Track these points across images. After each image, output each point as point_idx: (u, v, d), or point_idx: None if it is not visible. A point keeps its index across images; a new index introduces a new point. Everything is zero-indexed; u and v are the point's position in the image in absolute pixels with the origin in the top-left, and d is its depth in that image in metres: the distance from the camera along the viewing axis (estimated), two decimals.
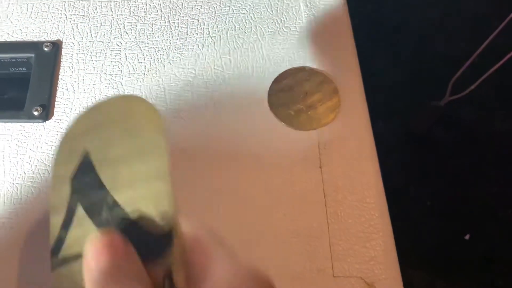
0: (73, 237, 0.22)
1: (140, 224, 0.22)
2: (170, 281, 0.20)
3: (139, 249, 0.21)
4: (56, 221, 0.22)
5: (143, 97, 0.44)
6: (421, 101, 1.21)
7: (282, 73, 0.45)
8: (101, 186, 0.23)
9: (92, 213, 0.22)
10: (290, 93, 0.43)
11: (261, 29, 0.48)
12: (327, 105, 0.43)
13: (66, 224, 0.22)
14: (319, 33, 0.47)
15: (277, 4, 0.49)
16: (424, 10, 1.35)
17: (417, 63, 1.28)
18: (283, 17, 0.48)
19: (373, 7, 1.36)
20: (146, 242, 0.21)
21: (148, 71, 0.46)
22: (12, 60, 0.48)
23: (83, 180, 0.23)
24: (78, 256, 0.21)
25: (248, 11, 0.49)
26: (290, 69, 0.45)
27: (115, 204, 0.22)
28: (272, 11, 0.49)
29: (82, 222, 0.22)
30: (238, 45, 0.47)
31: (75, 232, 0.22)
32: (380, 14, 1.35)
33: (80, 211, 0.22)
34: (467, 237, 1.11)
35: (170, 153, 0.23)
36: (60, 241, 0.22)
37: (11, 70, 0.48)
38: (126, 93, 0.45)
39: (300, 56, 0.46)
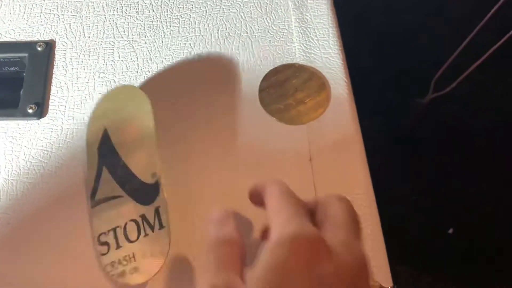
0: (102, 187, 0.37)
1: (140, 180, 0.36)
2: (159, 216, 0.36)
3: (140, 196, 0.36)
4: (91, 175, 0.37)
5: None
6: (405, 99, 1.24)
7: (272, 69, 0.46)
8: (115, 152, 0.37)
9: (112, 171, 0.37)
10: (280, 89, 0.45)
11: (251, 27, 0.49)
12: (316, 100, 0.45)
13: (97, 178, 0.37)
14: (307, 31, 0.49)
15: (267, 3, 0.51)
16: (408, 11, 1.38)
17: (401, 62, 1.31)
18: (272, 16, 0.50)
19: (360, 8, 1.38)
20: (145, 191, 0.36)
21: (141, 69, 0.47)
22: (6, 60, 0.48)
23: (104, 149, 0.38)
24: (106, 198, 0.36)
25: (238, 10, 0.50)
26: (280, 66, 0.46)
27: (125, 165, 0.37)
28: (262, 10, 0.50)
29: (107, 177, 0.37)
30: (229, 43, 0.48)
31: (103, 184, 0.37)
32: (366, 15, 1.38)
33: (105, 171, 0.37)
34: (450, 231, 1.14)
35: (156, 135, 0.38)
36: (95, 189, 0.37)
37: (4, 69, 0.49)
38: None
39: (289, 53, 0.48)
